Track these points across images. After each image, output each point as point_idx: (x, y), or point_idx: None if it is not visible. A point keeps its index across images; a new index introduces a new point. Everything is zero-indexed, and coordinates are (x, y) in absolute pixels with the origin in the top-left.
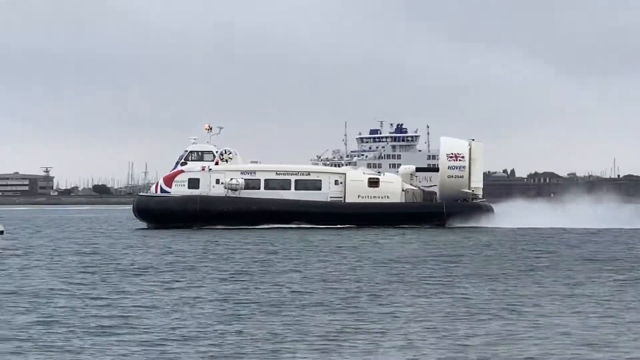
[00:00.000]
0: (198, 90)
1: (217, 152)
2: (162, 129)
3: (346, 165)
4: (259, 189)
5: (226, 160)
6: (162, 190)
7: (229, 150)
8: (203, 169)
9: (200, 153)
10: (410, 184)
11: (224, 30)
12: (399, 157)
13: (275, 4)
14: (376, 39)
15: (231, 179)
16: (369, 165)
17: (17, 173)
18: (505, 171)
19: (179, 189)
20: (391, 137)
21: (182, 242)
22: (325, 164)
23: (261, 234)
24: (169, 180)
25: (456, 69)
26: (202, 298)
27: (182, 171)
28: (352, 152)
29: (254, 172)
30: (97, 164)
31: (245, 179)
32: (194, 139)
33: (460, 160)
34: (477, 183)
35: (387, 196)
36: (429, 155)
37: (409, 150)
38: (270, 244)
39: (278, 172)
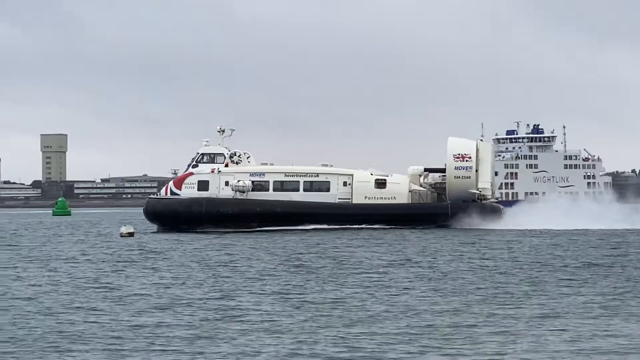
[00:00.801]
0: None
1: (227, 154)
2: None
3: None
4: (267, 190)
5: (236, 163)
6: (172, 193)
7: (238, 153)
8: (212, 171)
9: (212, 155)
10: (421, 185)
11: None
12: (535, 157)
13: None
14: (511, 39)
15: (238, 180)
16: (505, 166)
17: (145, 175)
18: (633, 171)
19: (188, 191)
20: (528, 137)
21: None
22: None
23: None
24: (178, 183)
25: (593, 68)
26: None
27: (192, 173)
28: None
29: (262, 174)
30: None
31: (254, 181)
32: (206, 141)
33: (467, 160)
34: (485, 183)
35: (394, 197)
36: (566, 156)
37: (545, 150)
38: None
39: (287, 174)
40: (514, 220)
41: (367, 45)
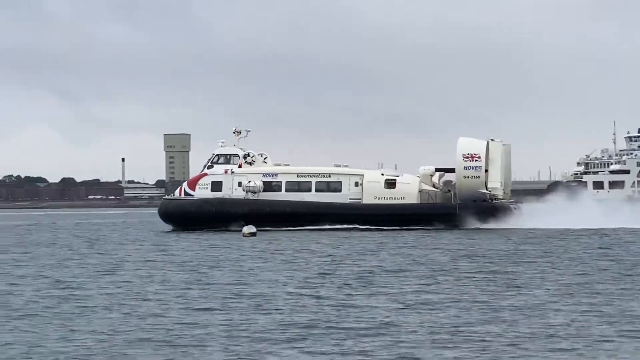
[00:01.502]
0: None
1: (241, 155)
2: None
3: (615, 164)
4: (280, 191)
5: (250, 163)
6: (186, 194)
7: (252, 153)
8: (225, 172)
9: (228, 156)
10: (434, 185)
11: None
12: None
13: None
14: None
15: (249, 181)
16: (638, 164)
17: None
18: None
19: (202, 192)
20: None
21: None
22: (593, 164)
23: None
24: (192, 184)
25: None
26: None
27: (205, 174)
28: (620, 151)
29: (275, 174)
30: None
31: (266, 182)
32: (222, 142)
33: (476, 160)
34: (495, 183)
35: (404, 197)
36: None
37: None
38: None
39: (299, 175)
40: (531, 220)
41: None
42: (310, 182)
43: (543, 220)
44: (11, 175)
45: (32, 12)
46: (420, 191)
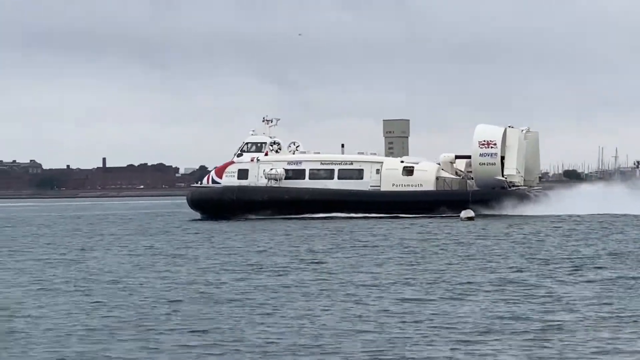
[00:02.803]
0: None
1: (269, 142)
2: None
3: None
4: (304, 178)
5: (276, 151)
6: (213, 181)
7: (278, 142)
8: (252, 160)
9: (259, 144)
10: (457, 172)
11: None
12: None
13: None
14: None
15: (271, 169)
16: None
17: None
18: None
19: (228, 180)
20: None
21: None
22: None
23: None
24: (219, 172)
25: None
26: None
27: (233, 162)
28: None
29: (299, 162)
30: (567, 149)
31: (289, 169)
32: (252, 130)
33: (492, 147)
34: (511, 170)
35: (421, 184)
36: None
37: None
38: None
39: (323, 162)
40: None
41: None
42: (333, 169)
43: (565, 206)
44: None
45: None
46: (437, 178)
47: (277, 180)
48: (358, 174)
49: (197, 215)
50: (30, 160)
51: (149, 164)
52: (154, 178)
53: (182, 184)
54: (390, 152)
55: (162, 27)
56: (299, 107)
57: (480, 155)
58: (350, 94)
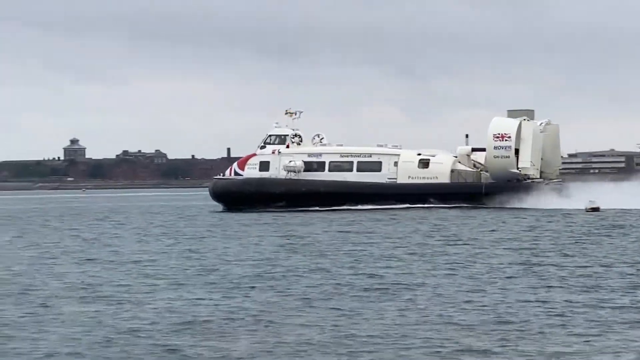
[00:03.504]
0: None
1: (291, 135)
2: None
3: None
4: (324, 171)
5: (297, 144)
6: (236, 173)
7: (299, 134)
8: (273, 152)
9: (282, 137)
10: (474, 165)
11: None
12: None
13: None
14: None
15: (290, 161)
16: None
17: (612, 150)
18: None
19: (250, 172)
20: None
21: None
22: None
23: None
24: (242, 164)
25: None
26: None
27: (255, 154)
28: None
29: (319, 154)
30: None
31: (310, 162)
32: (276, 123)
33: (506, 140)
34: (525, 162)
35: (436, 177)
36: None
37: None
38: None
39: (342, 155)
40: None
41: None
42: (352, 162)
43: (580, 199)
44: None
45: None
46: (452, 171)
47: (295, 172)
48: (376, 167)
49: (219, 207)
50: (156, 150)
51: None
52: None
53: None
54: None
55: (286, 19)
56: (424, 98)
57: (495, 148)
58: (475, 84)
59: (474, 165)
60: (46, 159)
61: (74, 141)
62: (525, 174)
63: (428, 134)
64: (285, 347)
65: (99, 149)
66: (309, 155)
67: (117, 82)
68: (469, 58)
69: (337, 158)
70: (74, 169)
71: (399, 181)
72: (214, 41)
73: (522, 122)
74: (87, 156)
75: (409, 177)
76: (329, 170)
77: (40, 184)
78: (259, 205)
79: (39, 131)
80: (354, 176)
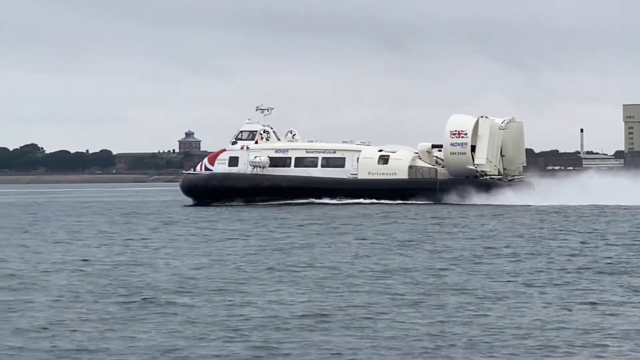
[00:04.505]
0: None
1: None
2: None
3: None
4: (289, 166)
5: (266, 139)
6: (206, 169)
7: (267, 130)
8: (242, 148)
9: (253, 133)
10: (436, 161)
11: None
12: None
13: None
14: None
15: (255, 156)
16: None
17: None
18: None
19: (220, 167)
20: None
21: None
22: None
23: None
24: (212, 159)
25: None
26: None
27: (224, 150)
28: None
29: (286, 150)
30: None
31: (276, 157)
32: (248, 119)
33: (462, 137)
34: (482, 160)
35: (395, 173)
36: None
37: None
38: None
39: (308, 150)
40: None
41: None
42: (317, 157)
43: (539, 197)
44: None
45: None
46: (410, 167)
47: (261, 167)
48: (340, 162)
49: (190, 201)
50: None
51: None
52: None
53: None
54: (630, 137)
55: (398, 12)
56: (537, 92)
57: (451, 144)
58: (590, 78)
59: (436, 162)
60: (161, 151)
61: (188, 134)
62: (482, 171)
63: (543, 129)
64: None
65: (213, 142)
66: (276, 151)
67: (233, 75)
68: (583, 52)
69: (303, 154)
70: (188, 161)
71: (359, 177)
72: (326, 34)
73: (480, 120)
74: (202, 149)
75: (369, 172)
76: (295, 166)
77: (155, 176)
78: (225, 200)
79: (155, 125)
80: (318, 172)
